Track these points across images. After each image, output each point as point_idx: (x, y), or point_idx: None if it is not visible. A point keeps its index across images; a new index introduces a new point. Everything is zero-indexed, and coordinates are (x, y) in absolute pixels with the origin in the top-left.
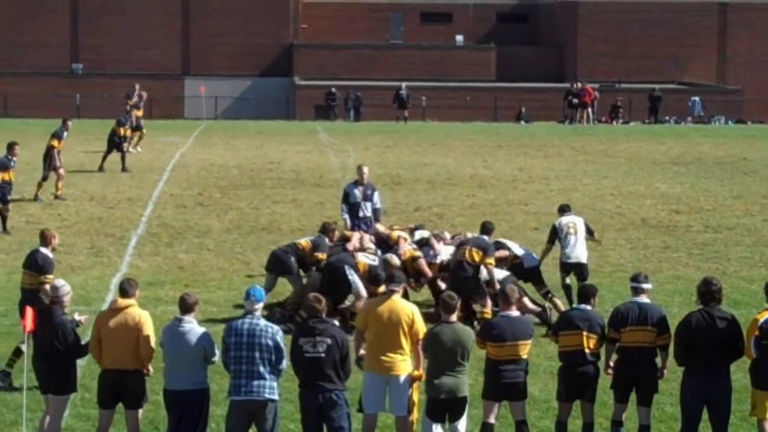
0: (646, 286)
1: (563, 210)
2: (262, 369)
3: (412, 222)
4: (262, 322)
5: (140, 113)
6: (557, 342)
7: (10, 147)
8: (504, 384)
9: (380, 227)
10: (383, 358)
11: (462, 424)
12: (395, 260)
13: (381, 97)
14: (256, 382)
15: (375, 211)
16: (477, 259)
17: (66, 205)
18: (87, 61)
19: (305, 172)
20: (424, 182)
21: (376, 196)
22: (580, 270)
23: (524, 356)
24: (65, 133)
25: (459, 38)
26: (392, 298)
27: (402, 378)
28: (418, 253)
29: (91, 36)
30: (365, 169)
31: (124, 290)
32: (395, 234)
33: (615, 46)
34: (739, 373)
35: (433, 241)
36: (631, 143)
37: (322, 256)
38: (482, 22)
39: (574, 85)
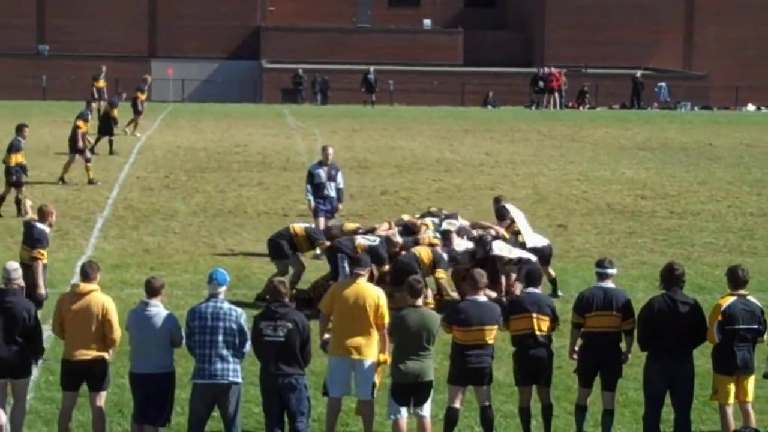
0: (611, 271)
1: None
2: (225, 352)
3: (406, 209)
4: (226, 305)
5: (143, 97)
6: (508, 328)
7: (20, 129)
8: (470, 369)
9: (405, 216)
10: (348, 341)
11: (427, 408)
12: (398, 238)
13: (348, 80)
14: (219, 366)
15: (338, 191)
16: None
17: (31, 187)
18: (53, 42)
19: (272, 156)
20: (391, 166)
21: (339, 177)
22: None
23: (490, 341)
24: (90, 115)
25: (426, 22)
26: (357, 281)
27: (367, 362)
28: (436, 241)
29: (58, 17)
30: (330, 150)
31: (86, 274)
32: (419, 221)
33: (582, 32)
34: (702, 358)
35: (453, 237)
36: (597, 128)
37: (326, 242)
38: (450, 7)
39: (541, 70)
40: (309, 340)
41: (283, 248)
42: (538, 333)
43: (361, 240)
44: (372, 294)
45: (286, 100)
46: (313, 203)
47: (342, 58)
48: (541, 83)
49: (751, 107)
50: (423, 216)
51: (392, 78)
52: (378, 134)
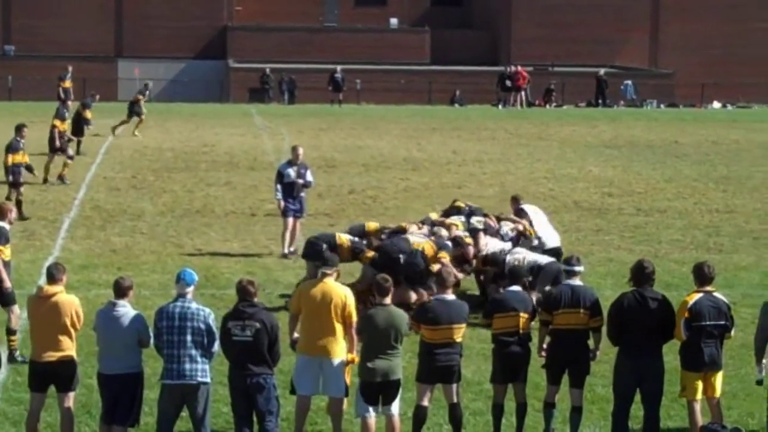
0: (579, 268)
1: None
2: (194, 352)
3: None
4: (194, 305)
5: (143, 99)
6: (490, 325)
7: (19, 129)
8: (438, 367)
9: (433, 215)
10: (316, 340)
11: (395, 406)
12: (443, 232)
13: (315, 79)
14: (188, 366)
15: (307, 183)
16: None
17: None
18: (19, 42)
19: (239, 155)
20: (358, 165)
21: (309, 175)
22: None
23: (459, 340)
24: (66, 113)
25: (393, 21)
26: (325, 281)
27: (336, 360)
28: (469, 240)
29: (24, 17)
30: (300, 150)
31: (51, 275)
32: (448, 221)
33: (548, 30)
34: (670, 354)
35: (480, 236)
36: (563, 126)
37: (370, 254)
38: (416, 5)
39: (508, 69)
40: (278, 339)
41: (322, 250)
42: (521, 331)
43: (416, 238)
44: (339, 293)
45: (253, 100)
46: (282, 203)
47: (309, 57)
48: (508, 82)
49: (716, 105)
50: (448, 212)
51: (359, 77)
52: (345, 133)
